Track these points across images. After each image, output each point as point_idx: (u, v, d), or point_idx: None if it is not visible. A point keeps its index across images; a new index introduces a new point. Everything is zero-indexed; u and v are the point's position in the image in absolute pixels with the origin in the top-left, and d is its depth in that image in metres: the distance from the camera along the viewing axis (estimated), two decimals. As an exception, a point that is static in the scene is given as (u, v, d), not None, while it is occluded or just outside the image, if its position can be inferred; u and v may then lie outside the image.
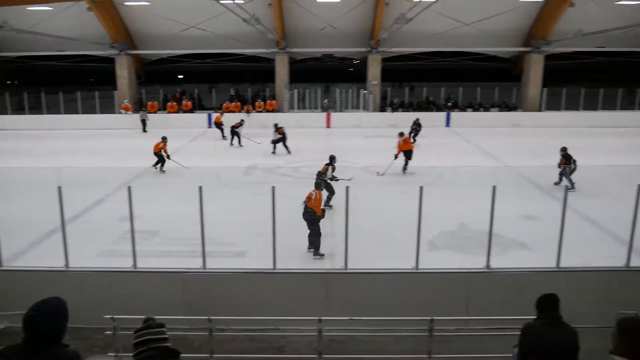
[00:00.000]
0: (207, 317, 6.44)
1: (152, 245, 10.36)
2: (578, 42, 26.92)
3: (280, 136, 20.37)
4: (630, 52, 30.43)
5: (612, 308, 6.05)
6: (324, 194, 12.32)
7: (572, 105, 29.27)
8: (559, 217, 7.64)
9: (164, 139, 17.08)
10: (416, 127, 22.65)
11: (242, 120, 22.96)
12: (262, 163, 18.68)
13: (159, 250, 10.12)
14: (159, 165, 16.96)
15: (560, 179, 14.73)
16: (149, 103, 29.26)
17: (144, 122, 26.70)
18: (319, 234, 9.80)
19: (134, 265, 7.83)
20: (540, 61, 29.60)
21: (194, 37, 28.11)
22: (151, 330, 3.48)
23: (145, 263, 8.04)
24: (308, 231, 9.78)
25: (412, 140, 22.04)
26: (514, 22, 28.07)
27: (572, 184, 14.16)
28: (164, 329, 3.57)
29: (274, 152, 20.42)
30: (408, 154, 16.64)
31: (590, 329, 5.85)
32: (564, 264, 7.66)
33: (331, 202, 12.69)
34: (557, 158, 14.93)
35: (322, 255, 9.79)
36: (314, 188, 10.38)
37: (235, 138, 22.40)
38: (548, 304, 4.42)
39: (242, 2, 20.60)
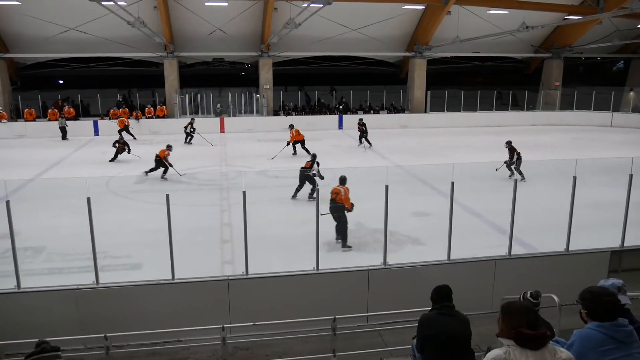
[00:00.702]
0: (103, 335, 6.13)
1: (38, 263, 9.66)
2: (456, 48, 28.73)
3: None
4: (501, 57, 33.23)
5: (498, 294, 6.55)
6: (307, 187, 13.73)
7: (453, 107, 31.24)
8: (448, 213, 8.11)
9: (169, 147, 16.96)
10: (362, 127, 22.79)
11: (193, 119, 24.63)
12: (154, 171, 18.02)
13: (47, 268, 9.47)
14: (153, 171, 16.48)
15: (512, 172, 15.95)
16: (26, 110, 27.11)
17: (63, 129, 25.12)
18: (347, 227, 10.16)
19: (18, 285, 7.25)
20: (423, 65, 31.24)
21: (74, 40, 26.50)
22: (45, 354, 3.28)
23: (31, 282, 7.49)
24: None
25: (362, 142, 22.73)
26: (397, 28, 29.35)
27: (522, 174, 15.49)
28: (59, 352, 3.38)
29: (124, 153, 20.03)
30: (301, 143, 20.14)
31: (480, 315, 6.31)
32: (454, 256, 8.14)
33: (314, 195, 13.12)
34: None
35: (350, 247, 10.07)
36: (338, 183, 10.61)
37: (189, 137, 23.89)
38: (441, 295, 4.72)
39: (125, 4, 19.72)
